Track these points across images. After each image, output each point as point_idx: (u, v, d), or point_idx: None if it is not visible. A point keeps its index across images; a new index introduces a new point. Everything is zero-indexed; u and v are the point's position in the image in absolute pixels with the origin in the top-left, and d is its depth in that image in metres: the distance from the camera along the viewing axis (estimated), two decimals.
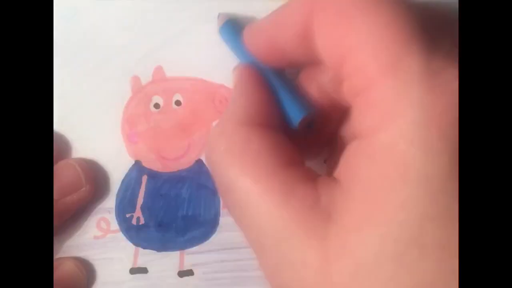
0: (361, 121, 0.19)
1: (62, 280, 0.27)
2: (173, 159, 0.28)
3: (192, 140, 0.28)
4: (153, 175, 0.28)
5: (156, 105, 0.27)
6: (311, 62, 0.22)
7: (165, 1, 0.27)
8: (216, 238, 0.28)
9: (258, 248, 0.20)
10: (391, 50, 0.18)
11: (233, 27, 0.26)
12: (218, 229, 0.28)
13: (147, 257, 0.28)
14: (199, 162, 0.28)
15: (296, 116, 0.22)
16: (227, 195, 0.21)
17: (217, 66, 0.27)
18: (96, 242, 0.28)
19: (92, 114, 0.27)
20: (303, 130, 0.23)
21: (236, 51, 0.26)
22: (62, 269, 0.27)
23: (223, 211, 0.28)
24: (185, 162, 0.28)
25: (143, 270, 0.28)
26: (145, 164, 0.28)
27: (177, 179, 0.28)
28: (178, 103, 0.27)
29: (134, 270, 0.28)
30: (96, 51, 0.27)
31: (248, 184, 0.19)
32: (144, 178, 0.28)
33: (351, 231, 0.17)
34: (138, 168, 0.28)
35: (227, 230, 0.28)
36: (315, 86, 0.23)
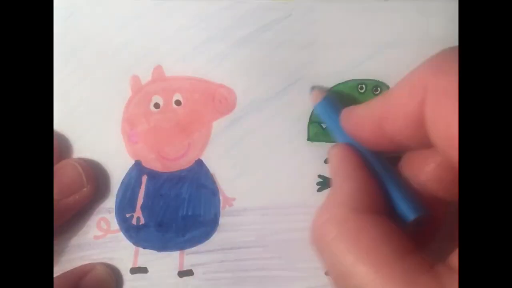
0: None
1: (93, 284, 0.27)
2: (173, 159, 0.28)
3: (192, 140, 0.28)
4: (153, 175, 0.28)
5: (156, 105, 0.27)
6: (420, 147, 0.22)
7: (164, 0, 0.27)
8: (216, 238, 0.28)
9: None
10: None
11: (331, 105, 0.26)
12: (218, 229, 0.28)
13: (147, 257, 0.28)
14: (199, 162, 0.28)
15: (408, 213, 0.22)
16: (342, 280, 0.21)
17: (217, 65, 0.27)
18: (96, 242, 0.28)
19: (92, 114, 0.27)
20: (412, 225, 0.22)
21: (334, 130, 0.26)
22: (94, 273, 0.28)
23: (223, 211, 0.28)
24: (185, 162, 0.28)
25: (143, 270, 0.28)
26: (145, 164, 0.28)
27: (177, 179, 0.28)
28: (178, 102, 0.27)
29: (134, 270, 0.28)
30: (96, 51, 0.27)
31: (367, 272, 0.19)
32: (144, 178, 0.28)
33: None
34: (138, 168, 0.28)
35: (227, 230, 0.28)
36: (424, 173, 0.23)
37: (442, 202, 0.23)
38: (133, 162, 0.28)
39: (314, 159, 0.28)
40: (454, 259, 0.19)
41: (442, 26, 0.26)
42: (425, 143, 0.21)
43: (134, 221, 0.28)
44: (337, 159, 0.24)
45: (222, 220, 0.28)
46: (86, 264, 0.28)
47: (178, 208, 0.28)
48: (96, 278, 0.27)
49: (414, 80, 0.21)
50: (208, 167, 0.28)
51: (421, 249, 0.20)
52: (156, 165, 0.28)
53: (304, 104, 0.27)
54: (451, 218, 0.22)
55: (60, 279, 0.27)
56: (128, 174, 0.28)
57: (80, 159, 0.27)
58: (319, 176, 0.28)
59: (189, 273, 0.28)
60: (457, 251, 0.19)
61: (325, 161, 0.28)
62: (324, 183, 0.28)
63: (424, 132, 0.20)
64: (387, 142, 0.23)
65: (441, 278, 0.19)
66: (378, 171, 0.23)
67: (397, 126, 0.22)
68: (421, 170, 0.23)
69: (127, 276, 0.28)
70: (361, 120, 0.24)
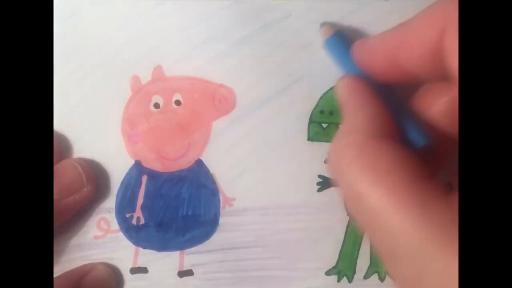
0: None
1: (94, 284, 0.27)
2: (173, 159, 0.28)
3: (192, 140, 0.28)
4: (153, 175, 0.28)
5: (156, 105, 0.27)
6: (434, 79, 0.22)
7: (164, 0, 0.27)
8: (216, 238, 0.28)
9: (391, 256, 0.20)
10: None
11: (341, 40, 0.26)
12: (218, 229, 0.28)
13: (147, 257, 0.28)
14: (199, 162, 0.28)
15: (417, 140, 0.23)
16: (356, 203, 0.21)
17: (217, 65, 0.27)
18: (96, 242, 0.28)
19: (92, 114, 0.27)
20: (420, 151, 0.23)
21: (344, 64, 0.26)
22: (95, 273, 0.28)
23: (223, 211, 0.28)
24: (185, 162, 0.28)
25: (143, 270, 0.28)
26: (145, 164, 0.28)
27: (177, 179, 0.28)
28: (178, 102, 0.27)
29: (134, 270, 0.28)
30: (96, 51, 0.27)
31: (382, 194, 0.19)
32: (144, 178, 0.28)
33: None
34: (138, 168, 0.28)
35: (227, 230, 0.28)
36: (437, 105, 0.23)
37: (449, 136, 0.23)
38: (133, 162, 0.28)
39: (314, 159, 0.28)
40: None
41: None
42: (439, 75, 0.21)
43: (134, 221, 0.28)
44: (347, 90, 0.24)
45: (222, 220, 0.28)
46: (87, 264, 0.28)
47: (178, 208, 0.28)
48: (97, 278, 0.27)
49: (435, 10, 0.21)
50: (208, 167, 0.28)
51: (433, 176, 0.20)
52: (156, 165, 0.28)
53: (304, 104, 0.27)
54: (452, 172, 0.23)
55: (60, 279, 0.27)
56: (128, 174, 0.28)
57: (80, 159, 0.27)
58: (319, 176, 0.28)
59: (189, 273, 0.28)
60: None
61: (325, 161, 0.28)
62: (324, 183, 0.28)
63: (440, 63, 0.20)
64: (400, 73, 0.23)
65: (454, 206, 0.19)
66: (389, 101, 0.23)
67: (413, 56, 0.21)
68: (434, 102, 0.23)
69: (127, 276, 0.28)
70: (375, 49, 0.24)
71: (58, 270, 0.28)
